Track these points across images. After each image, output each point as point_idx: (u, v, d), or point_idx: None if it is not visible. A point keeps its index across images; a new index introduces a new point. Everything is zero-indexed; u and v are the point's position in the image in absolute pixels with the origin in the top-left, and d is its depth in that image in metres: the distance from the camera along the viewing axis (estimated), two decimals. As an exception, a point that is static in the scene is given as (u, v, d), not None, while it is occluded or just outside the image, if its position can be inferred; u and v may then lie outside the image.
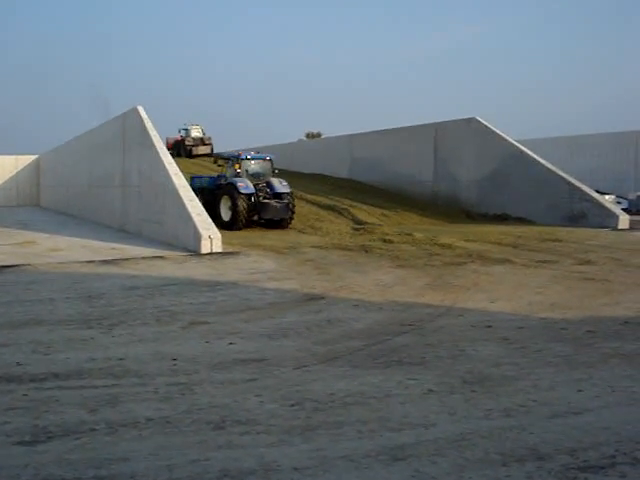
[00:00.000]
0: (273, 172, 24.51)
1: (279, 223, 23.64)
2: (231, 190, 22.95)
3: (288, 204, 23.42)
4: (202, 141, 56.90)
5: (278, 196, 23.37)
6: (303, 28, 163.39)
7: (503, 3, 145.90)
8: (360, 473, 4.44)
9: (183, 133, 57.36)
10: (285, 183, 23.84)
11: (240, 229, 22.61)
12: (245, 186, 22.81)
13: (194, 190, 22.81)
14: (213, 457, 4.68)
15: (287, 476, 4.40)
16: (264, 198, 23.24)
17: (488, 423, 5.37)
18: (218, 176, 25.03)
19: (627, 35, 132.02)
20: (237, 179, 23.24)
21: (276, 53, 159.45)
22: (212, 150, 57.19)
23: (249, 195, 22.91)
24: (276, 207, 23.10)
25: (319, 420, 5.42)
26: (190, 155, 54.61)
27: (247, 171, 23.94)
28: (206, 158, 55.37)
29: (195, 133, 57.21)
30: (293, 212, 23.77)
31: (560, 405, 5.80)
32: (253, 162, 24.37)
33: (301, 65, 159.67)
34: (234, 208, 22.73)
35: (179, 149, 55.90)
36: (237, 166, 23.75)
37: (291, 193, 23.80)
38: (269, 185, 23.65)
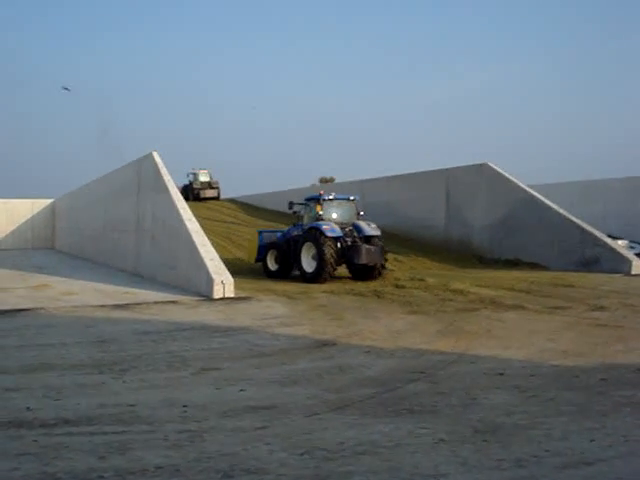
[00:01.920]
0: (358, 214, 21.82)
1: (369, 272, 20.70)
2: (314, 235, 20.11)
3: (382, 248, 20.64)
4: (209, 185, 58.21)
5: (367, 240, 20.57)
6: (317, 76, 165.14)
7: (510, 51, 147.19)
8: (369, 524, 4.40)
9: (191, 177, 58.62)
10: (374, 225, 21.15)
11: (326, 280, 19.83)
12: (331, 229, 20.08)
13: (262, 247, 22.79)
14: (222, 506, 4.66)
15: (296, 527, 4.37)
16: (353, 242, 20.44)
17: (500, 474, 5.32)
18: (292, 226, 22.36)
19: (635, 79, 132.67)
20: (320, 222, 20.50)
21: (289, 99, 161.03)
22: (219, 194, 58.94)
23: (336, 239, 20.11)
24: (370, 250, 20.06)
25: (329, 469, 5.38)
26: (198, 198, 55.72)
27: (329, 214, 21.30)
28: (217, 202, 56.26)
29: (203, 177, 58.53)
30: (386, 258, 21.16)
31: (572, 455, 5.74)
32: (336, 203, 21.72)
33: (314, 111, 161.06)
34: (320, 255, 19.79)
35: (187, 193, 56.93)
36: (319, 208, 21.07)
37: (380, 236, 21.04)
38: (356, 228, 20.95)
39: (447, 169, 31.49)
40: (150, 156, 22.44)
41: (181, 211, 19.25)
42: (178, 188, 63.05)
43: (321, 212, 21.00)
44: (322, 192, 21.99)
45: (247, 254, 24.93)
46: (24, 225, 44.42)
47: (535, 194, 27.11)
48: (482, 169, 29.24)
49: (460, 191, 30.24)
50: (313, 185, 70.61)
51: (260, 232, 23.95)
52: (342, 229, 20.46)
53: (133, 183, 24.61)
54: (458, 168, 30.87)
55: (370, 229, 20.77)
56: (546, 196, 27.50)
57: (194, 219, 19.17)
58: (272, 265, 22.26)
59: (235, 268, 21.51)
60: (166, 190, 20.44)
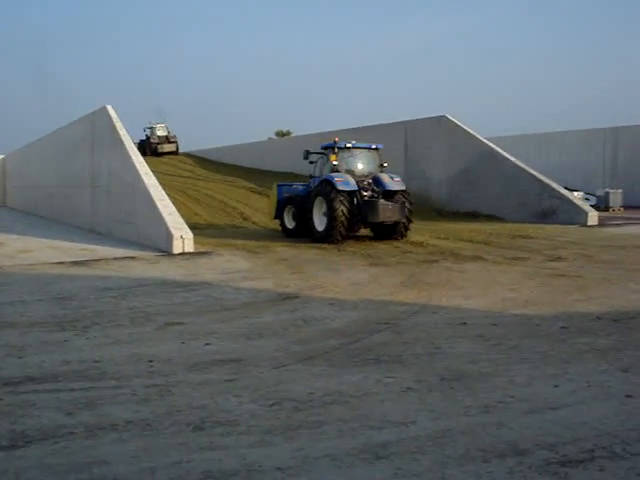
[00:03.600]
0: (381, 166, 19.48)
1: (391, 231, 18.57)
2: (326, 189, 17.90)
3: (403, 204, 18.28)
4: (167, 139, 57.28)
5: (389, 195, 18.37)
6: (272, 25, 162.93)
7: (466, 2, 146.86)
8: (343, 472, 4.44)
9: (148, 132, 57.71)
10: (398, 179, 18.85)
11: (338, 241, 17.80)
12: (344, 181, 17.85)
13: (280, 202, 20.39)
14: (195, 459, 4.65)
15: (270, 476, 4.39)
16: (371, 198, 18.23)
17: (467, 420, 5.40)
18: (311, 180, 19.93)
19: (599, 33, 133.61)
20: (334, 174, 18.23)
21: (243, 50, 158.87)
22: (177, 148, 58.00)
23: (350, 194, 17.94)
24: (387, 207, 17.82)
25: (299, 419, 5.41)
26: (156, 153, 54.89)
27: (346, 165, 19.09)
28: (174, 156, 55.32)
29: (160, 132, 57.57)
30: (410, 216, 18.74)
31: (537, 401, 5.85)
32: (354, 153, 19.39)
33: (270, 63, 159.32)
34: (330, 212, 17.69)
35: (144, 148, 55.85)
36: (334, 157, 18.75)
37: (407, 191, 18.88)
38: (376, 181, 18.64)
39: (406, 121, 31.48)
40: (104, 110, 21.96)
41: (137, 166, 18.94)
42: (135, 143, 62.34)
43: (336, 162, 18.74)
44: (336, 139, 19.26)
45: (267, 209, 22.94)
46: (-26, 182, 43.42)
47: (493, 146, 27.32)
48: (441, 121, 29.31)
49: (419, 144, 30.32)
50: (270, 138, 70.14)
51: (279, 186, 21.49)
52: (360, 182, 18.37)
53: (87, 138, 24.10)
54: (417, 120, 30.91)
55: (393, 183, 18.55)
56: (504, 149, 27.73)
57: (151, 174, 18.90)
58: (289, 222, 20.25)
59: (192, 223, 21.36)
60: (121, 144, 20.07)
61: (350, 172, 18.76)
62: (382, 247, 17.18)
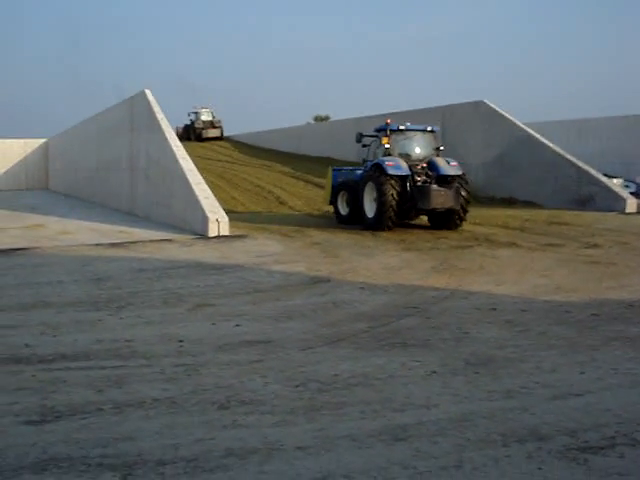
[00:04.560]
0: (437, 149, 18.23)
1: (447, 219, 17.44)
2: (376, 174, 16.97)
3: (457, 191, 17.01)
4: (212, 124, 56.32)
5: (444, 180, 17.14)
6: (309, 10, 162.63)
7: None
8: (362, 452, 4.51)
9: (193, 117, 56.79)
10: (455, 163, 17.56)
11: (389, 228, 16.86)
12: (395, 165, 16.81)
13: (335, 187, 19.45)
14: (218, 436, 4.76)
15: (290, 455, 4.47)
16: (424, 183, 17.11)
17: (490, 404, 5.43)
18: (365, 165, 18.61)
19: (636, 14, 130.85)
20: (385, 158, 17.22)
21: (284, 37, 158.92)
22: (222, 133, 57.01)
23: (402, 178, 16.87)
24: (440, 193, 16.69)
25: (323, 400, 5.49)
26: (200, 139, 54.08)
27: (399, 149, 17.87)
28: (218, 142, 54.52)
29: (205, 116, 56.61)
30: (467, 203, 17.45)
31: (562, 387, 5.85)
32: (408, 135, 18.21)
33: (308, 49, 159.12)
34: (380, 198, 16.73)
35: (189, 133, 55.53)
36: (386, 140, 17.64)
37: (464, 176, 17.57)
38: (431, 166, 17.42)
39: (443, 106, 31.22)
40: (142, 94, 22.16)
41: (175, 149, 19.12)
42: (179, 128, 61.49)
43: (388, 145, 17.60)
44: (389, 121, 18.01)
45: (323, 196, 21.86)
46: (17, 166, 44.07)
47: (531, 132, 26.96)
48: (478, 106, 28.99)
49: (456, 129, 30.03)
50: (308, 123, 70.09)
51: (335, 170, 20.29)
52: (414, 166, 17.25)
53: (126, 122, 24.38)
54: (454, 105, 30.60)
55: (448, 167, 17.31)
56: (542, 134, 27.34)
57: (188, 158, 19.06)
58: (343, 209, 19.18)
59: (229, 207, 21.53)
60: (159, 129, 20.25)
61: (404, 156, 17.64)
62: (417, 232, 17.14)
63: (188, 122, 57.03)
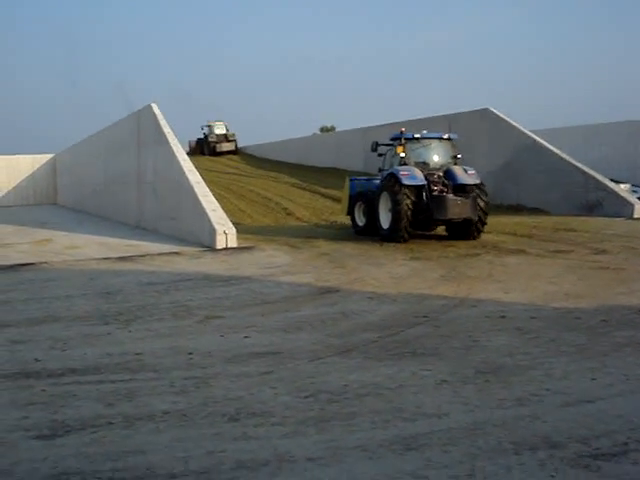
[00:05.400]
0: (455, 158, 17.65)
1: (465, 230, 16.97)
2: (391, 184, 16.58)
3: (475, 200, 16.49)
4: (226, 138, 55.05)
5: (461, 189, 16.65)
6: (316, 21, 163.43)
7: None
8: (373, 463, 4.49)
9: (206, 130, 55.62)
10: (473, 172, 16.99)
11: (405, 240, 16.48)
12: (410, 175, 16.34)
13: (352, 197, 19.16)
14: (228, 449, 4.75)
15: (301, 466, 4.46)
16: (440, 192, 16.64)
17: (501, 412, 5.40)
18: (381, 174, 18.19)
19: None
20: (400, 168, 16.75)
21: (287, 48, 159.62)
22: (236, 147, 55.57)
23: (418, 188, 16.47)
24: (456, 203, 16.27)
25: (333, 411, 5.47)
26: (214, 153, 52.92)
27: (415, 158, 17.41)
28: (232, 156, 53.09)
29: (218, 130, 55.27)
30: (485, 214, 16.85)
31: (573, 394, 5.82)
32: (424, 143, 17.77)
33: (313, 59, 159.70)
34: (394, 208, 16.32)
35: (202, 147, 54.52)
36: (401, 149, 17.22)
37: (482, 186, 16.96)
38: (448, 175, 16.96)
39: (449, 115, 31.21)
40: (149, 108, 22.26)
41: (182, 163, 19.18)
42: (192, 142, 60.21)
43: (403, 155, 17.15)
44: (403, 130, 17.62)
45: (340, 207, 21.29)
46: (26, 181, 44.22)
47: (537, 139, 26.93)
48: (484, 114, 29.00)
49: (462, 137, 29.87)
50: (314, 134, 70.21)
51: (352, 180, 19.91)
52: (430, 175, 16.79)
53: (133, 136, 24.47)
54: (460, 114, 30.59)
55: (466, 176, 16.81)
56: (549, 141, 27.32)
57: (195, 170, 19.11)
58: (360, 219, 18.82)
59: (236, 219, 21.55)
60: (166, 142, 20.32)
61: (420, 164, 17.17)
62: (425, 241, 17.12)
63: (201, 136, 55.96)
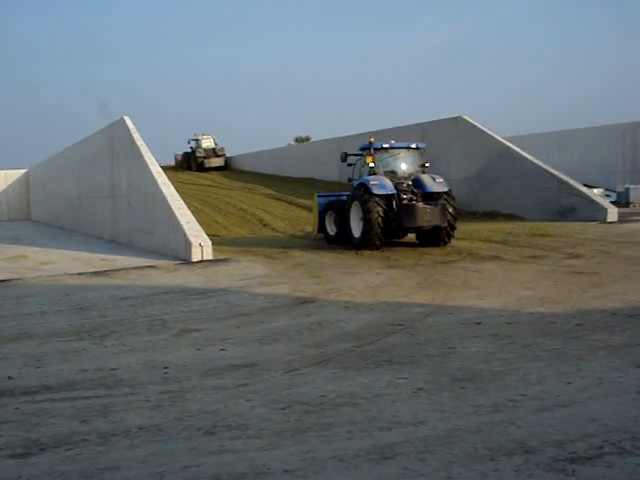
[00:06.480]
0: (423, 166, 18.08)
1: (435, 236, 17.34)
2: (362, 193, 16.97)
3: (444, 207, 16.88)
4: (215, 152, 52.39)
5: (430, 197, 17.09)
6: (286, 33, 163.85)
7: (484, 2, 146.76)
8: (350, 473, 4.48)
9: (193, 144, 52.97)
10: (441, 179, 17.51)
11: (377, 247, 16.86)
12: (380, 184, 16.79)
13: (321, 212, 19.53)
14: (204, 462, 4.72)
15: (278, 478, 4.44)
16: (409, 201, 17.04)
17: (477, 419, 5.41)
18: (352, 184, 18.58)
19: (612, 30, 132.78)
20: (369, 177, 17.23)
21: (260, 59, 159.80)
22: (226, 162, 52.60)
23: (387, 197, 16.85)
24: (426, 211, 16.63)
25: (310, 422, 5.45)
26: (202, 168, 50.29)
27: (384, 167, 17.83)
28: (219, 172, 49.72)
29: (206, 143, 52.71)
30: (454, 219, 17.29)
31: (548, 398, 5.85)
32: (392, 153, 18.16)
33: (285, 69, 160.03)
34: (365, 217, 16.73)
35: (189, 162, 52.06)
36: (370, 159, 17.63)
37: (450, 193, 17.45)
38: (417, 183, 17.39)
39: (423, 123, 31.42)
40: (121, 121, 22.18)
41: (156, 176, 19.10)
42: (178, 156, 57.84)
43: (372, 164, 17.60)
44: (372, 139, 18.14)
45: (312, 225, 21.61)
46: (-2, 197, 43.91)
47: (511, 145, 27.19)
48: (457, 122, 29.22)
49: (436, 145, 30.12)
50: (289, 144, 70.29)
51: (319, 196, 20.38)
52: (400, 184, 17.25)
53: (106, 149, 24.36)
54: (433, 122, 30.81)
55: (434, 184, 17.25)
56: (522, 147, 27.60)
57: (169, 183, 19.04)
58: (331, 229, 19.19)
59: (212, 231, 21.50)
60: (140, 155, 20.23)
61: (389, 174, 17.62)
62: (400, 249, 17.18)
63: (188, 150, 53.43)
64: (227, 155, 54.50)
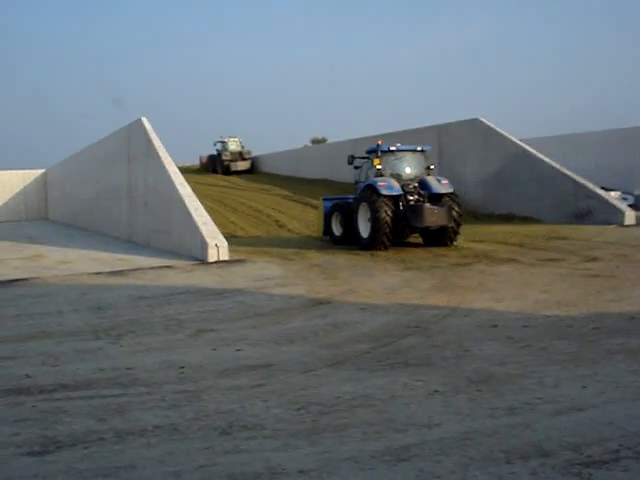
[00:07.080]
0: (428, 169, 18.69)
1: (440, 237, 17.90)
2: (369, 194, 17.39)
3: (450, 208, 17.41)
4: (241, 155, 51.13)
5: (436, 198, 17.65)
6: (304, 33, 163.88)
7: (500, 3, 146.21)
8: (365, 474, 4.48)
9: (219, 147, 51.79)
10: (446, 182, 18.04)
11: (386, 247, 17.24)
12: (388, 185, 17.23)
13: (327, 215, 19.97)
14: (220, 462, 4.74)
15: (293, 479, 4.45)
16: (416, 202, 17.59)
17: (493, 421, 5.40)
18: (357, 186, 19.15)
19: (628, 30, 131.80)
20: (377, 179, 17.66)
21: (277, 59, 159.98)
22: (252, 166, 51.30)
23: (395, 198, 17.31)
24: (432, 211, 17.16)
25: (325, 423, 5.46)
26: (228, 172, 49.14)
27: (391, 169, 18.33)
28: (246, 175, 48.59)
29: (233, 146, 51.39)
30: (459, 220, 17.89)
31: (564, 402, 5.82)
32: (399, 156, 18.66)
33: (303, 70, 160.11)
34: (373, 218, 17.13)
35: (215, 165, 51.08)
36: (377, 162, 18.08)
37: (455, 194, 18.09)
38: (423, 185, 17.91)
39: (439, 125, 31.36)
40: (139, 122, 22.30)
41: (173, 176, 19.19)
42: (203, 157, 56.73)
43: (380, 166, 18.02)
44: (379, 142, 18.60)
45: (316, 228, 21.99)
46: (17, 197, 44.25)
47: (527, 148, 27.07)
48: (474, 124, 29.13)
49: (452, 147, 30.15)
50: (305, 146, 70.27)
51: (325, 199, 20.84)
52: (406, 186, 17.70)
53: (123, 150, 24.50)
54: (450, 124, 30.74)
55: (439, 186, 17.77)
56: (539, 150, 27.45)
57: (186, 184, 19.12)
58: (337, 229, 19.60)
59: (228, 231, 21.56)
60: (157, 156, 20.34)
61: (395, 176, 18.05)
62: (416, 251, 17.16)
63: (214, 152, 52.30)
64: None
